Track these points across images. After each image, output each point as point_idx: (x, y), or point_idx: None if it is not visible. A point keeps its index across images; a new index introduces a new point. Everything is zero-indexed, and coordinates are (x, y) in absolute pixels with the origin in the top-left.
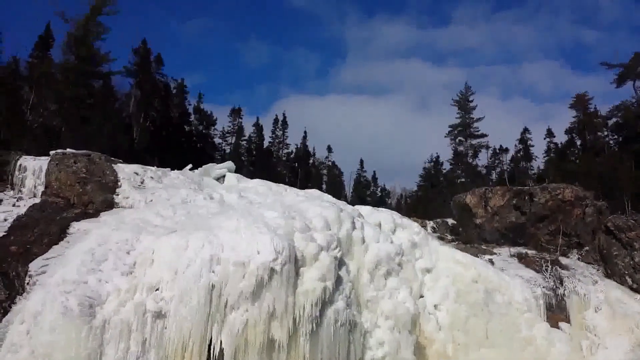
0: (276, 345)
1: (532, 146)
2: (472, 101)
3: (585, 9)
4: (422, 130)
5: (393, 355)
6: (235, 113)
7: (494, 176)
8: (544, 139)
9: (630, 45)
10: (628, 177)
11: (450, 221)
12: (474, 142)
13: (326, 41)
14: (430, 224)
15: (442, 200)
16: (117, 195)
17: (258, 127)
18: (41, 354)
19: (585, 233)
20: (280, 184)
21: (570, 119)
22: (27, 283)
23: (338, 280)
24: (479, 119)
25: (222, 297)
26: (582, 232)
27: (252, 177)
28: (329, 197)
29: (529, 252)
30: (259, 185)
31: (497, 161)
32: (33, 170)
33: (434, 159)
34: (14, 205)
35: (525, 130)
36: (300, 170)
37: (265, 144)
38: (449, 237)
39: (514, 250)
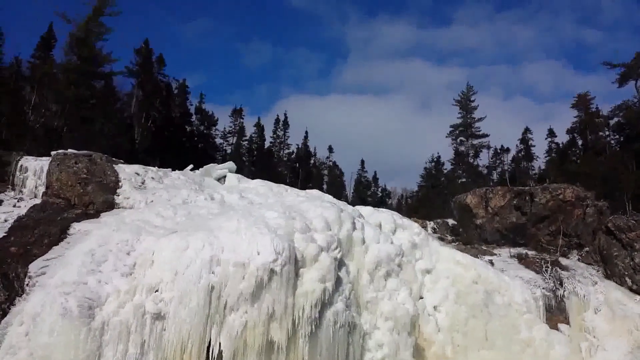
0: (275, 347)
1: (534, 146)
2: (473, 101)
3: (587, 9)
4: (423, 130)
5: (392, 357)
6: (237, 113)
7: (495, 176)
8: (545, 139)
9: (632, 44)
10: (629, 178)
11: (450, 222)
12: (475, 142)
13: (327, 41)
14: (430, 224)
15: (442, 200)
16: (118, 195)
17: (259, 128)
18: (40, 356)
19: (586, 233)
20: (281, 185)
21: (572, 118)
22: (27, 284)
23: (338, 281)
24: (480, 119)
25: (222, 298)
26: (583, 232)
27: (253, 178)
28: (329, 198)
29: (529, 252)
30: (259, 185)
31: (498, 161)
32: (34, 170)
33: (435, 159)
34: (14, 205)
35: (527, 130)
36: (301, 170)
37: (267, 144)
38: (449, 237)
39: (514, 251)
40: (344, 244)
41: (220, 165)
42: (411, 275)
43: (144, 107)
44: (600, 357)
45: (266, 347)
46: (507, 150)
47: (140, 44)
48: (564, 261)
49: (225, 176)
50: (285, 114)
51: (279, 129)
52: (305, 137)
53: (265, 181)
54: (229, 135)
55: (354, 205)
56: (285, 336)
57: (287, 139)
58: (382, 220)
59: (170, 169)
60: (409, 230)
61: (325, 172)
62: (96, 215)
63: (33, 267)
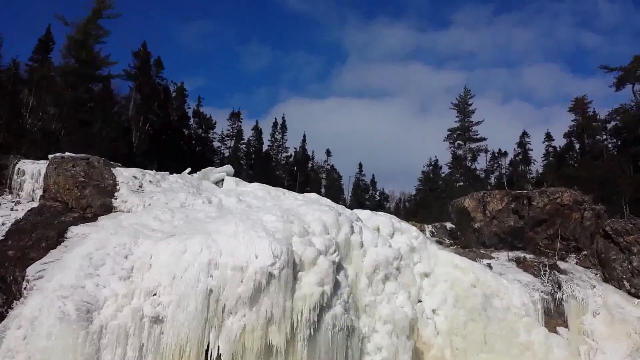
0: (274, 351)
1: (531, 150)
2: (471, 104)
3: (585, 13)
4: (421, 133)
5: None
6: (235, 116)
7: (492, 180)
8: (543, 142)
9: (629, 48)
10: (626, 181)
11: (448, 225)
12: (473, 145)
13: (326, 44)
14: (428, 228)
15: (440, 204)
16: (116, 199)
17: (257, 131)
18: (38, 359)
19: (584, 237)
20: (279, 188)
21: (570, 122)
22: (25, 288)
23: (336, 285)
24: (478, 123)
25: (220, 302)
26: (581, 236)
27: (250, 181)
28: (327, 201)
29: (527, 256)
30: (257, 189)
31: (495, 165)
32: (31, 174)
33: (433, 163)
34: (12, 209)
35: (524, 134)
36: (299, 174)
37: (264, 147)
38: (448, 241)
39: (512, 254)
40: (342, 248)
41: (218, 168)
42: (410, 279)
43: (141, 110)
44: None
45: (265, 350)
46: (505, 154)
47: (139, 46)
48: (562, 265)
49: (223, 180)
50: (283, 118)
51: (277, 133)
52: (303, 141)
53: (263, 184)
54: (227, 138)
55: (352, 209)
56: (283, 340)
57: (285, 143)
58: (380, 223)
59: (168, 173)
60: (407, 234)
61: (323, 175)
62: (94, 218)
63: (31, 271)
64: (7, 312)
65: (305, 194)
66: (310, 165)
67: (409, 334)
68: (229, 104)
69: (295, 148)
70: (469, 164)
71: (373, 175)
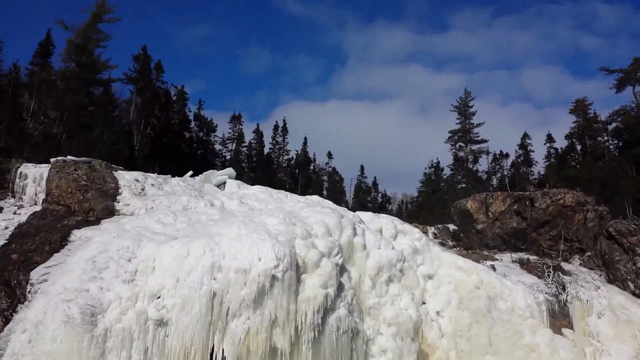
0: (278, 353)
1: (533, 151)
2: (471, 107)
3: (585, 16)
4: (422, 135)
5: None
6: (236, 119)
7: (494, 181)
8: (544, 144)
9: (629, 50)
10: (628, 182)
11: (451, 227)
12: (474, 147)
13: (326, 48)
14: (431, 229)
15: (442, 206)
16: (118, 202)
17: (258, 134)
18: None
19: (587, 238)
20: (281, 191)
21: (570, 124)
22: (29, 291)
23: (340, 287)
24: (478, 125)
25: (224, 304)
26: (584, 237)
27: (252, 184)
28: (329, 203)
29: (531, 257)
30: (259, 191)
31: (497, 166)
32: (34, 177)
33: (435, 165)
34: (15, 213)
35: (525, 135)
36: (301, 176)
37: (266, 150)
38: (451, 243)
39: (515, 256)
40: (345, 250)
41: (219, 171)
42: (413, 281)
43: (142, 113)
44: None
45: (269, 353)
46: (507, 155)
47: (139, 50)
48: (565, 266)
49: (225, 182)
50: (284, 120)
51: (278, 135)
52: (305, 143)
53: (265, 187)
54: (228, 141)
55: (354, 211)
56: (288, 342)
57: (286, 145)
58: (382, 225)
59: (169, 176)
60: (410, 236)
61: (325, 178)
62: (96, 222)
63: (34, 274)
64: (12, 316)
65: (307, 197)
66: (311, 167)
67: (413, 336)
68: (230, 107)
69: (297, 150)
70: (471, 166)
71: (375, 178)
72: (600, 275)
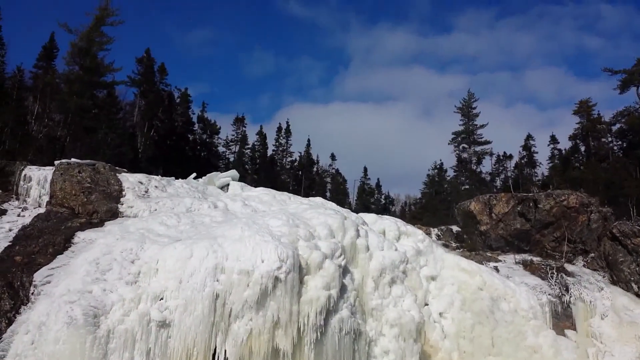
0: (281, 355)
1: (536, 153)
2: (475, 108)
3: (588, 16)
4: (426, 137)
5: None
6: (239, 121)
7: (498, 183)
8: (548, 145)
9: (632, 51)
10: (632, 184)
11: (454, 228)
12: (478, 148)
13: (329, 50)
14: (434, 231)
15: (446, 207)
16: (122, 204)
17: (262, 136)
18: None
19: (591, 239)
20: (284, 192)
21: (574, 125)
22: (32, 293)
23: (342, 289)
24: (482, 126)
25: (227, 306)
26: (588, 238)
27: (255, 186)
28: (332, 205)
29: (534, 259)
30: (262, 193)
31: (501, 168)
32: (38, 180)
33: (438, 166)
34: (19, 215)
35: (529, 136)
36: (304, 178)
37: (269, 152)
38: (454, 244)
39: (519, 257)
40: (348, 252)
41: (223, 173)
42: (416, 282)
43: (146, 116)
44: None
45: (272, 354)
46: (510, 157)
47: (142, 53)
48: (569, 267)
49: (228, 184)
50: (287, 122)
51: (281, 137)
52: (308, 145)
53: (269, 189)
54: (232, 143)
55: (357, 213)
56: (290, 343)
57: (289, 147)
58: (385, 227)
59: (173, 178)
60: (413, 237)
61: (328, 179)
62: (100, 224)
63: (38, 276)
64: (15, 317)
65: (311, 198)
66: (315, 169)
67: (416, 337)
68: (233, 110)
69: (300, 152)
70: (474, 167)
71: (378, 179)
72: (604, 277)
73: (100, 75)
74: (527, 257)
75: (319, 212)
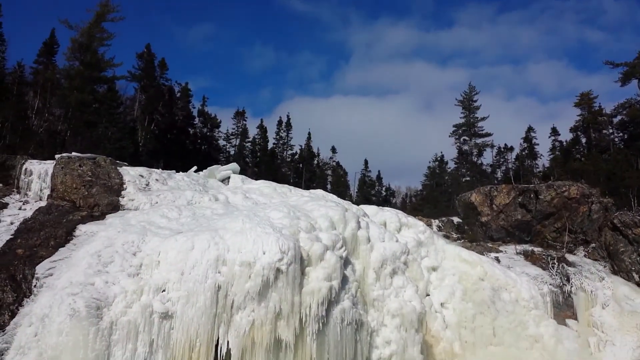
0: (283, 345)
1: (537, 145)
2: (476, 101)
3: (589, 10)
4: (427, 130)
5: (400, 354)
6: (239, 115)
7: (499, 175)
8: (549, 137)
9: (634, 44)
10: (634, 174)
11: (455, 220)
12: (479, 141)
13: (330, 44)
14: (435, 222)
15: (447, 199)
16: (123, 197)
17: (262, 129)
18: (49, 356)
19: (592, 230)
20: (285, 185)
21: (576, 117)
22: (34, 285)
23: (344, 280)
24: (483, 118)
25: (229, 297)
26: (588, 229)
27: (256, 179)
28: (333, 197)
29: (535, 249)
30: (263, 186)
31: (502, 160)
32: (39, 174)
33: (439, 158)
34: (20, 208)
35: (530, 128)
36: (305, 171)
37: (270, 145)
38: (455, 235)
39: (520, 247)
40: (349, 243)
41: (223, 166)
42: (417, 273)
43: (147, 110)
44: (609, 352)
45: (274, 345)
46: (511, 149)
47: (143, 48)
48: (570, 257)
49: (229, 177)
50: (288, 116)
51: (282, 131)
52: (309, 138)
53: (269, 182)
54: (232, 137)
55: (358, 205)
56: (292, 334)
57: (290, 140)
58: (386, 219)
59: (174, 171)
60: (414, 229)
61: (329, 172)
62: (101, 217)
63: (40, 269)
64: (18, 310)
65: (312, 191)
66: (315, 162)
67: (417, 327)
68: (234, 104)
69: (301, 145)
70: (475, 159)
71: (379, 171)
72: (605, 267)
73: (101, 71)
74: (528, 247)
75: (319, 204)
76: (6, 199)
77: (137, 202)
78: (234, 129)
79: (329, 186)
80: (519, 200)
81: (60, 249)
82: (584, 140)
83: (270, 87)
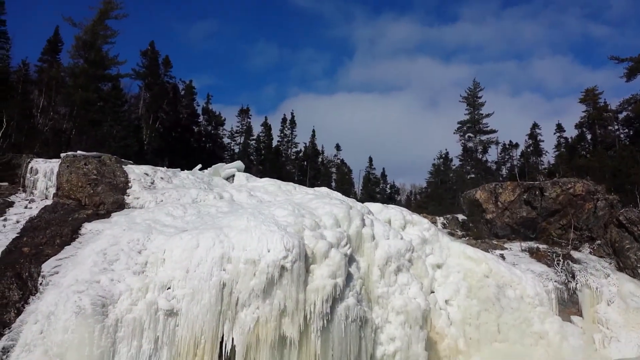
0: (287, 342)
1: (542, 141)
2: (480, 97)
3: (594, 5)
4: (431, 127)
5: (404, 350)
6: (244, 113)
7: (504, 172)
8: (554, 133)
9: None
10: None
11: (460, 217)
12: (483, 137)
13: (333, 41)
14: (440, 220)
15: (451, 196)
16: (128, 195)
17: (266, 127)
18: (55, 353)
19: (597, 227)
20: (289, 183)
21: (581, 113)
22: (40, 283)
23: (348, 277)
24: (488, 115)
25: (233, 294)
26: (594, 225)
27: (261, 176)
28: (337, 195)
29: (541, 246)
30: (268, 184)
31: (507, 157)
32: (44, 172)
33: (443, 155)
34: (26, 207)
35: (535, 125)
36: (309, 168)
37: (274, 143)
38: (460, 232)
39: (525, 244)
40: (353, 241)
41: (228, 164)
42: (422, 270)
43: (151, 108)
44: (614, 349)
45: (278, 341)
46: (516, 145)
47: (147, 46)
48: (575, 254)
49: (233, 175)
50: (292, 113)
51: (286, 128)
52: (313, 136)
53: (274, 180)
54: (237, 135)
55: (362, 202)
56: (297, 331)
57: (294, 138)
58: (391, 216)
59: (179, 169)
60: (419, 226)
61: (334, 169)
62: (107, 215)
63: (46, 267)
64: (24, 308)
65: (316, 188)
66: (320, 159)
67: (422, 324)
68: (238, 101)
69: (305, 143)
70: (480, 156)
71: (383, 169)
72: (610, 263)
73: (105, 68)
74: (533, 244)
75: (324, 201)
76: (12, 198)
77: (142, 200)
78: (238, 126)
79: (333, 184)
80: (524, 197)
81: (66, 247)
82: (589, 136)
83: (274, 84)
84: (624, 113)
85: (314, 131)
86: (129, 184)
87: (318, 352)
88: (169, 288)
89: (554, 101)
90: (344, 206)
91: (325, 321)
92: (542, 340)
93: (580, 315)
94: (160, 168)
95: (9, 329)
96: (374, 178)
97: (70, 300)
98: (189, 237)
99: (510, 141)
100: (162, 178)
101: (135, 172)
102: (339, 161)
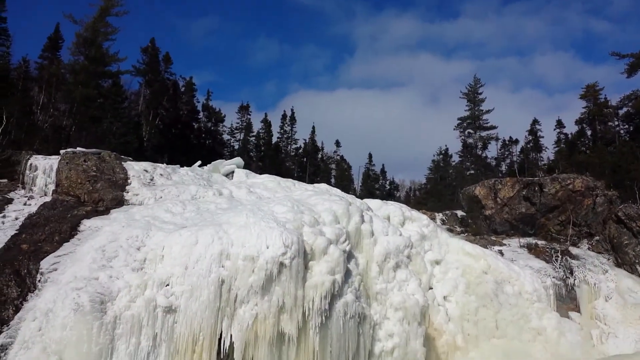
0: (286, 339)
1: (542, 137)
2: (481, 93)
3: (595, 0)
4: (431, 123)
5: (402, 346)
6: (244, 109)
7: (503, 168)
8: (554, 129)
9: None
10: (639, 167)
11: (459, 213)
12: (483, 134)
13: (334, 37)
14: (439, 216)
15: (451, 192)
16: (127, 192)
17: (266, 123)
18: (53, 350)
19: (596, 223)
20: (289, 179)
21: (581, 109)
22: (39, 280)
23: (347, 274)
24: (488, 111)
25: (232, 291)
26: (593, 221)
27: (260, 173)
28: (337, 191)
29: (539, 242)
30: (267, 180)
31: (506, 153)
32: (44, 169)
33: (443, 152)
34: (25, 204)
35: (535, 121)
36: (309, 165)
37: (274, 139)
38: (459, 228)
39: (523, 240)
40: (352, 237)
41: (228, 161)
42: (420, 267)
43: (151, 105)
44: (611, 344)
45: (277, 338)
46: (516, 141)
47: (147, 43)
48: (574, 250)
49: (233, 172)
50: (292, 110)
51: (286, 125)
52: (313, 132)
53: (273, 176)
54: (236, 131)
55: (362, 199)
56: (295, 327)
57: (294, 134)
58: (390, 212)
59: (178, 166)
60: (418, 222)
61: (333, 166)
62: (106, 212)
63: (44, 264)
64: (22, 305)
65: (315, 185)
66: (319, 156)
67: (420, 320)
68: (238, 98)
69: (305, 139)
70: (480, 152)
71: (383, 165)
72: (609, 259)
73: (105, 65)
74: (531, 240)
75: (323, 198)
76: (11, 194)
77: (141, 197)
78: (238, 123)
79: (332, 180)
80: (524, 193)
81: (64, 244)
82: (589, 132)
83: (275, 80)
84: (624, 109)
85: (313, 127)
86: (128, 181)
87: (316, 348)
88: (168, 285)
89: (555, 97)
90: (343, 202)
91: (323, 317)
92: (540, 336)
93: (578, 311)
94: (160, 165)
95: (7, 326)
96: (374, 174)
97: (68, 297)
98: (188, 233)
99: (510, 137)
100: (161, 175)
101: (134, 168)
102: (338, 157)
